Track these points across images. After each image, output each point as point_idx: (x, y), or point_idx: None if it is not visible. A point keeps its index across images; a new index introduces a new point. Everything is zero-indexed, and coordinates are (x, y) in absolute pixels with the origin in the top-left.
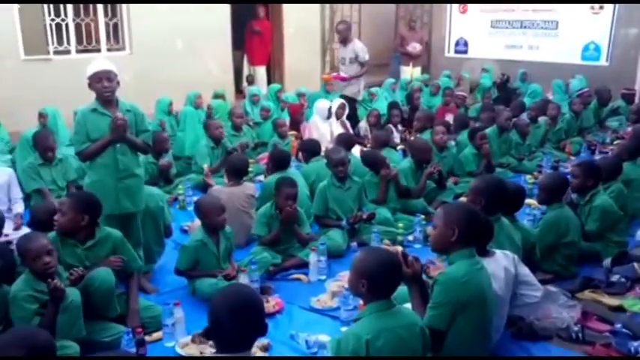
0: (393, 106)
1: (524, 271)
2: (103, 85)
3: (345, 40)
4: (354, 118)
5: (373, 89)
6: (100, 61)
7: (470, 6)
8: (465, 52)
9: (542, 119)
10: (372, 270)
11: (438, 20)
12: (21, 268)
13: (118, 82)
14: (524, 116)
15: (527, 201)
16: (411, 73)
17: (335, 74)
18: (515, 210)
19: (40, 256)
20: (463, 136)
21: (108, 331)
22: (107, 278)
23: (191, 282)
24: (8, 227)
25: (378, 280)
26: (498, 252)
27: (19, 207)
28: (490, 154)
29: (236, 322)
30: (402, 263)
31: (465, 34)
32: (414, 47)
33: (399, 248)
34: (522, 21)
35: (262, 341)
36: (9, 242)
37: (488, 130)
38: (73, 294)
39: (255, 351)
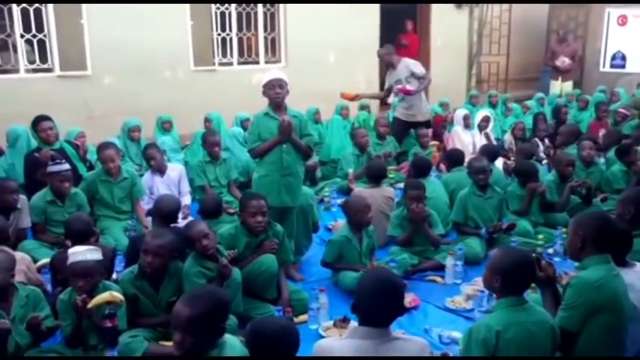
0: (539, 119)
1: None
2: (276, 91)
3: (391, 64)
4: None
5: (512, 104)
6: (274, 71)
7: (630, 17)
8: (623, 66)
9: None
10: (505, 267)
11: (593, 33)
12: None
13: (287, 91)
14: None
15: None
16: (560, 87)
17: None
18: None
19: (199, 239)
20: (613, 152)
21: (261, 309)
22: (272, 264)
23: (335, 274)
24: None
25: (511, 276)
26: (639, 264)
27: (187, 199)
28: None
29: (379, 300)
30: (536, 266)
31: (623, 47)
32: (563, 62)
33: None
34: None
35: None
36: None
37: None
38: (236, 272)
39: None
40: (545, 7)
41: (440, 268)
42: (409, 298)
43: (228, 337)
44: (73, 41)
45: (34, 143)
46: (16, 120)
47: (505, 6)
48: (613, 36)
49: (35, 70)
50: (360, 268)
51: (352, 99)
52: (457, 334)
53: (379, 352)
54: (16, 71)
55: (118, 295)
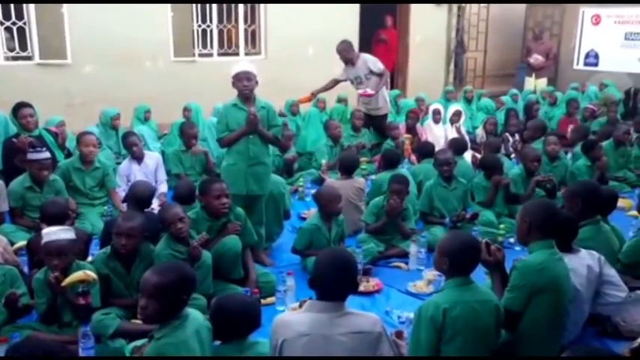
0: (510, 115)
1: (610, 272)
2: (244, 83)
3: (350, 60)
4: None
5: (502, 97)
6: (243, 63)
7: (603, 17)
8: (596, 64)
9: None
10: (452, 249)
11: (568, 32)
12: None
13: (256, 82)
14: None
15: (634, 212)
16: (534, 84)
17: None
18: (608, 212)
19: (174, 222)
20: (579, 147)
21: (230, 290)
22: (235, 244)
23: (303, 260)
24: (155, 204)
25: (458, 258)
26: (584, 251)
27: (164, 187)
28: (605, 166)
29: (334, 275)
30: (485, 251)
31: (596, 45)
32: (536, 59)
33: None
34: None
35: None
36: None
37: (604, 143)
38: (206, 256)
39: None
40: (523, 5)
41: (404, 255)
42: (373, 282)
43: (191, 311)
44: (54, 29)
45: (13, 129)
46: None
47: (483, 3)
48: (587, 35)
49: (15, 58)
50: None
51: (309, 99)
52: (413, 315)
53: (333, 324)
54: None
55: (91, 274)
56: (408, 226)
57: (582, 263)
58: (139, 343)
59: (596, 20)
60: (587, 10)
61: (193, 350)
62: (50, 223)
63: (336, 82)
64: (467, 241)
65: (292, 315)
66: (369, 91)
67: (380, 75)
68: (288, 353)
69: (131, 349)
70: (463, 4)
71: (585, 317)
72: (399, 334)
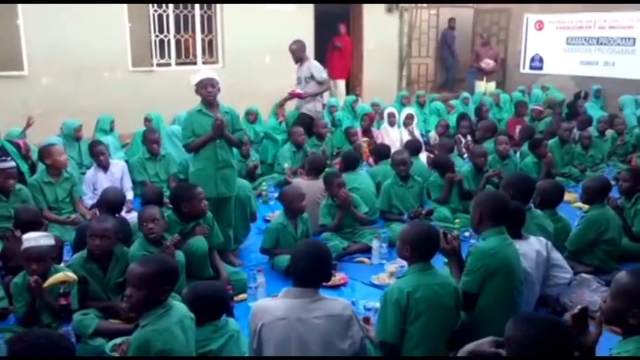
0: (462, 117)
1: (556, 255)
2: (207, 90)
3: (300, 60)
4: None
5: (452, 101)
6: (205, 71)
7: (546, 23)
8: (540, 68)
9: (609, 132)
10: (413, 237)
11: (514, 37)
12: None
13: (219, 89)
14: (590, 129)
15: (578, 204)
16: (485, 87)
17: (290, 90)
18: (554, 204)
19: (147, 221)
20: (526, 146)
21: None
22: (202, 245)
23: (271, 259)
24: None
25: (417, 245)
26: (533, 237)
27: (130, 194)
28: (551, 163)
29: (309, 263)
30: (443, 240)
31: (541, 50)
32: (487, 63)
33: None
34: (599, 38)
35: None
36: None
37: (550, 141)
38: (180, 255)
39: None
40: (470, 12)
41: (367, 251)
42: (339, 277)
43: (175, 302)
44: (9, 42)
45: None
46: None
47: (433, 11)
48: (531, 40)
49: None
50: None
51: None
52: (378, 304)
53: (308, 309)
54: None
55: (71, 275)
56: (361, 211)
57: (532, 248)
58: (118, 340)
59: (540, 26)
60: (531, 17)
61: (177, 337)
62: (24, 230)
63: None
64: (426, 230)
65: (269, 301)
66: (298, 90)
67: (320, 83)
68: (266, 336)
69: (111, 347)
70: (414, 10)
71: (536, 297)
72: (366, 320)
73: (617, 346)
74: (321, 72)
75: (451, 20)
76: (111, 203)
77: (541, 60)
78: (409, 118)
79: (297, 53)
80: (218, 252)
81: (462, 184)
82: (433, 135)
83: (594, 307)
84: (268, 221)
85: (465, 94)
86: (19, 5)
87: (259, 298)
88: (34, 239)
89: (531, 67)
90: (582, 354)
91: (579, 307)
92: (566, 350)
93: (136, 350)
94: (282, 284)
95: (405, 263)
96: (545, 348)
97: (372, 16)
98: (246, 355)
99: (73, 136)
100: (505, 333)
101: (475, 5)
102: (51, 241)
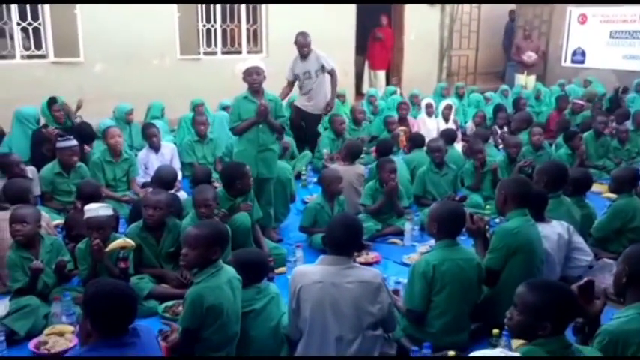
0: (498, 109)
1: (578, 239)
2: (253, 77)
3: (307, 54)
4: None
5: (488, 93)
6: (252, 59)
7: (589, 16)
8: (582, 61)
9: None
10: (441, 215)
11: (556, 30)
12: (189, 209)
13: (264, 77)
14: (628, 124)
15: (608, 194)
16: (525, 80)
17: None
18: (582, 191)
19: (200, 205)
20: (561, 138)
21: None
22: (245, 220)
23: (309, 237)
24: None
25: (444, 222)
26: (555, 221)
27: (178, 175)
28: (583, 154)
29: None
30: (469, 221)
31: (583, 44)
32: (529, 56)
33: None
34: None
35: None
36: None
37: (585, 134)
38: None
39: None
40: (512, 5)
41: (400, 233)
42: (372, 255)
43: (224, 265)
44: (67, 29)
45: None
46: (14, 103)
47: (475, 4)
48: (574, 33)
49: (30, 57)
50: None
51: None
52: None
53: (342, 274)
54: (13, 57)
55: (129, 241)
56: (401, 205)
57: (554, 231)
58: (169, 303)
59: (583, 19)
60: (574, 10)
61: (226, 294)
62: (85, 202)
63: (291, 85)
64: (452, 208)
65: (307, 266)
66: (328, 105)
67: (331, 73)
68: (304, 296)
69: (163, 308)
70: (455, 4)
71: (557, 278)
72: (395, 292)
73: (618, 313)
74: (329, 60)
75: (511, 13)
76: (164, 180)
77: (583, 54)
78: (447, 109)
79: (306, 47)
80: (260, 228)
81: (496, 173)
82: (470, 125)
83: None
84: (306, 203)
85: (504, 86)
86: None
87: None
88: (95, 210)
89: (573, 61)
90: (587, 321)
91: (585, 279)
92: (571, 312)
93: (191, 303)
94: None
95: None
96: (552, 308)
97: (414, 8)
98: (285, 314)
99: (124, 119)
100: (517, 294)
101: None
102: (110, 212)
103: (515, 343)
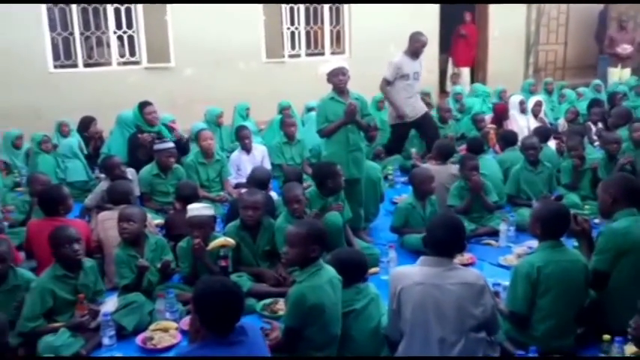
0: (594, 104)
1: None
2: (339, 78)
3: (418, 55)
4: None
5: (565, 91)
6: (337, 60)
7: None
8: None
9: None
10: (545, 215)
11: None
12: (281, 208)
13: (349, 77)
14: None
15: None
16: (619, 74)
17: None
18: None
19: (292, 202)
20: None
21: None
22: (337, 220)
23: (400, 237)
24: None
25: (548, 223)
26: None
27: None
28: None
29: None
30: (573, 222)
31: None
32: (624, 49)
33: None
34: None
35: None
36: None
37: None
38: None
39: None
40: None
41: (494, 234)
42: (467, 257)
43: (324, 264)
44: (159, 36)
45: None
46: (110, 108)
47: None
48: None
49: (125, 63)
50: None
51: None
52: (506, 282)
53: (443, 276)
54: (109, 64)
55: (230, 240)
56: (490, 200)
57: None
58: (267, 301)
59: None
60: None
61: (327, 294)
62: (184, 202)
63: (388, 84)
64: (557, 208)
65: (408, 268)
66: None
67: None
68: (404, 298)
69: (261, 306)
70: None
71: None
72: (495, 294)
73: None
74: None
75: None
76: (259, 180)
77: None
78: (538, 105)
79: (423, 49)
80: (350, 229)
81: (596, 172)
82: (562, 122)
83: None
84: (395, 204)
85: (597, 81)
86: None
87: (390, 272)
88: (197, 209)
89: None
90: None
91: None
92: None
93: (294, 302)
94: (411, 261)
95: (533, 245)
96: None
97: (499, 4)
98: (384, 316)
99: (215, 122)
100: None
101: None
102: (211, 212)
103: (630, 349)
